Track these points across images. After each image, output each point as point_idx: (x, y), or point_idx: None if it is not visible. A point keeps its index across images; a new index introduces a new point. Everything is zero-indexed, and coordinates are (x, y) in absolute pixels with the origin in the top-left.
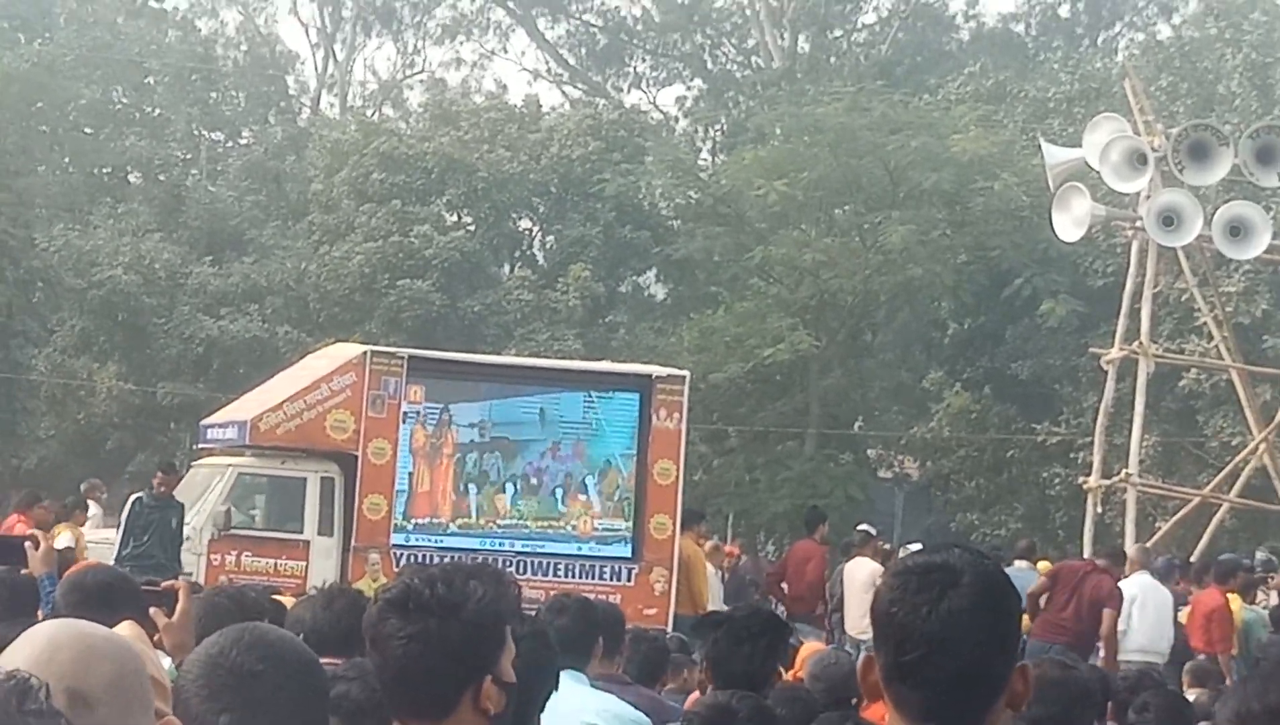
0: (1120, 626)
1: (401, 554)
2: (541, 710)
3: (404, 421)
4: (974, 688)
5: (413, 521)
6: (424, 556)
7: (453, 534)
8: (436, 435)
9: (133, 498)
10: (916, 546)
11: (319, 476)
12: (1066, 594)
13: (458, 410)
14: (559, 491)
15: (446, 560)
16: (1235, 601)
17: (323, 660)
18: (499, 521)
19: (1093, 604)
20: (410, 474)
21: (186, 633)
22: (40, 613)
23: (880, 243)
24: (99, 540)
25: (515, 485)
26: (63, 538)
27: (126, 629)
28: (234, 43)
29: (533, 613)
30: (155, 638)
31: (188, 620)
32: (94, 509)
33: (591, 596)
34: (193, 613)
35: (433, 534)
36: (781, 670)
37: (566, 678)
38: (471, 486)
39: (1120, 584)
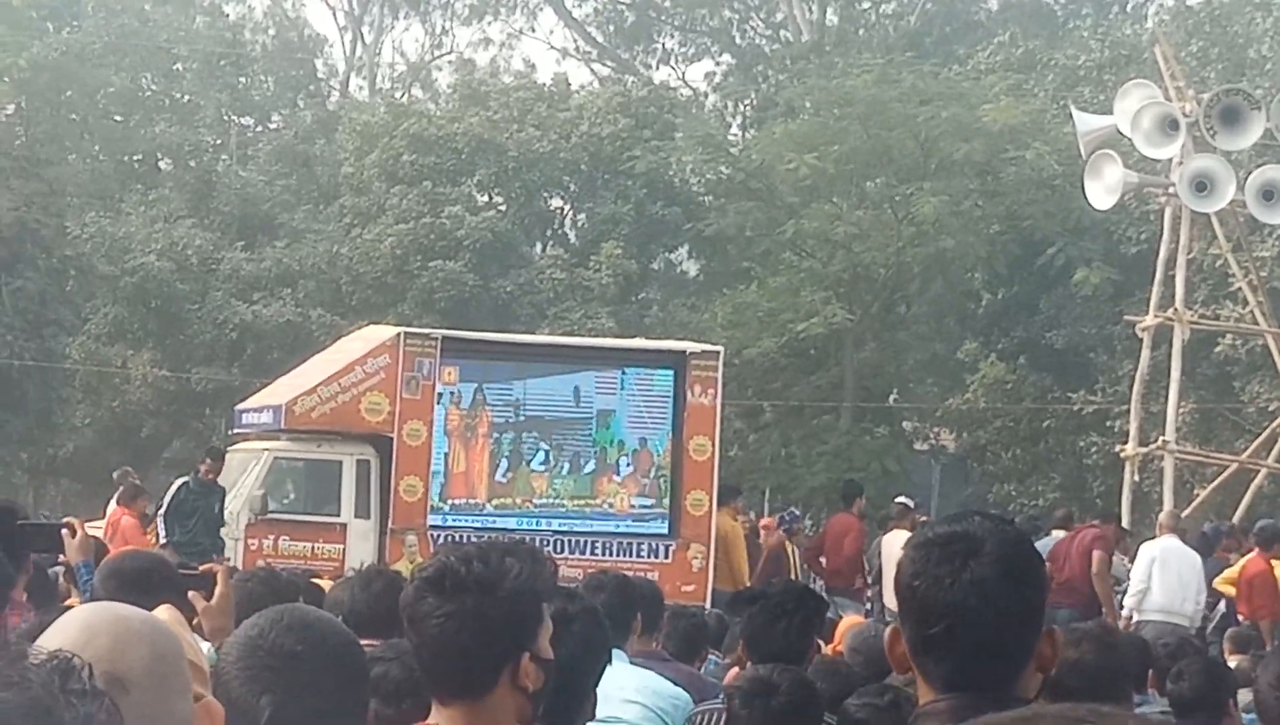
0: (1140, 585)
1: (438, 535)
2: (595, 686)
3: (438, 402)
4: (1000, 656)
5: (449, 502)
6: (461, 537)
7: (489, 514)
8: (471, 415)
9: (178, 482)
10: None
11: (355, 459)
12: (1061, 560)
13: (492, 390)
14: (595, 470)
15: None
16: (1279, 568)
17: (361, 641)
18: (535, 501)
19: (1082, 557)
20: (446, 455)
21: (225, 616)
22: (79, 599)
23: (912, 214)
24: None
25: (551, 464)
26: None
27: (164, 613)
28: (262, 27)
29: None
30: (194, 621)
31: (226, 604)
32: None
33: (629, 574)
34: (231, 594)
35: (469, 514)
36: (821, 644)
37: None
38: (507, 466)
39: (1144, 545)
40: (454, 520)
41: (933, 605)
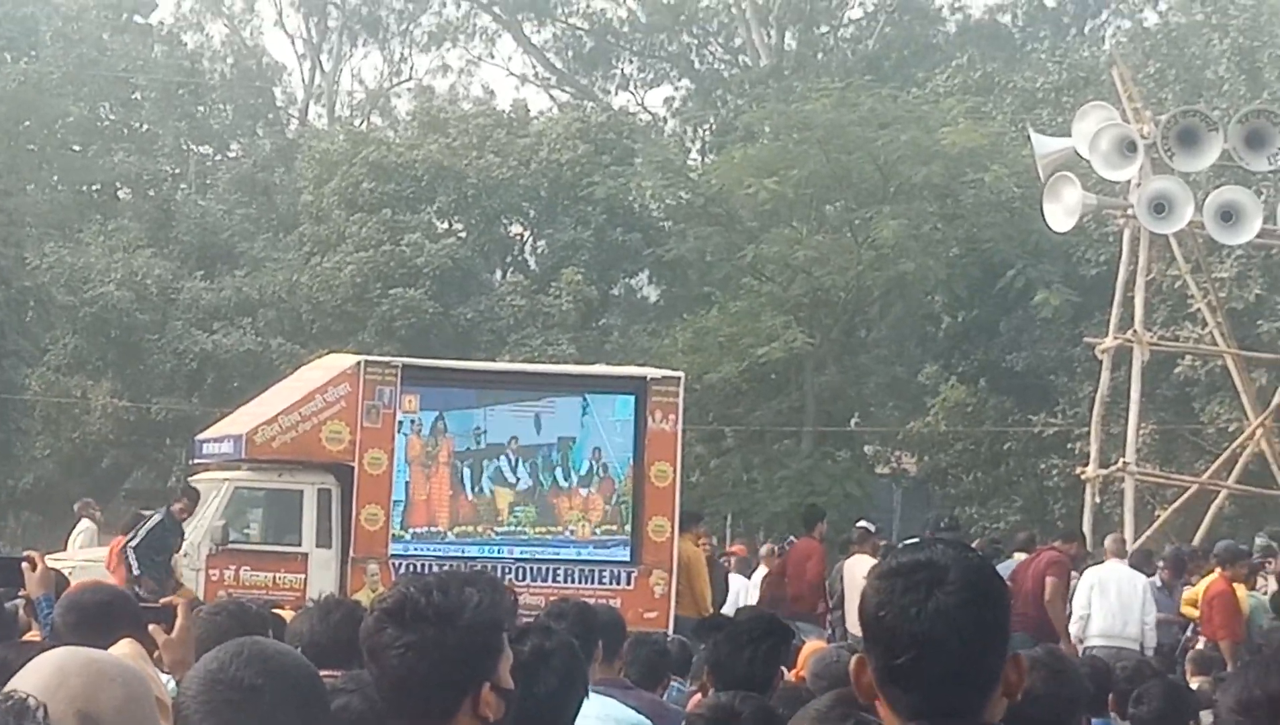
0: (1081, 612)
1: (400, 564)
2: (574, 720)
3: (399, 431)
4: (968, 685)
5: (410, 531)
6: (423, 565)
7: (451, 542)
8: (432, 443)
9: (155, 517)
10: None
11: (316, 488)
12: (1018, 584)
13: (452, 418)
14: (556, 497)
15: (445, 569)
16: (1241, 589)
17: (321, 672)
18: (496, 528)
19: (1036, 581)
20: (407, 483)
21: (186, 649)
22: (39, 632)
23: (872, 238)
24: (93, 558)
25: (512, 492)
26: None
27: (126, 647)
28: (220, 56)
29: (531, 619)
30: (155, 654)
31: (187, 636)
32: (88, 525)
33: (591, 601)
34: (192, 629)
35: (431, 543)
36: (784, 671)
37: None
38: (468, 494)
39: (1086, 572)
40: (416, 549)
41: (899, 635)
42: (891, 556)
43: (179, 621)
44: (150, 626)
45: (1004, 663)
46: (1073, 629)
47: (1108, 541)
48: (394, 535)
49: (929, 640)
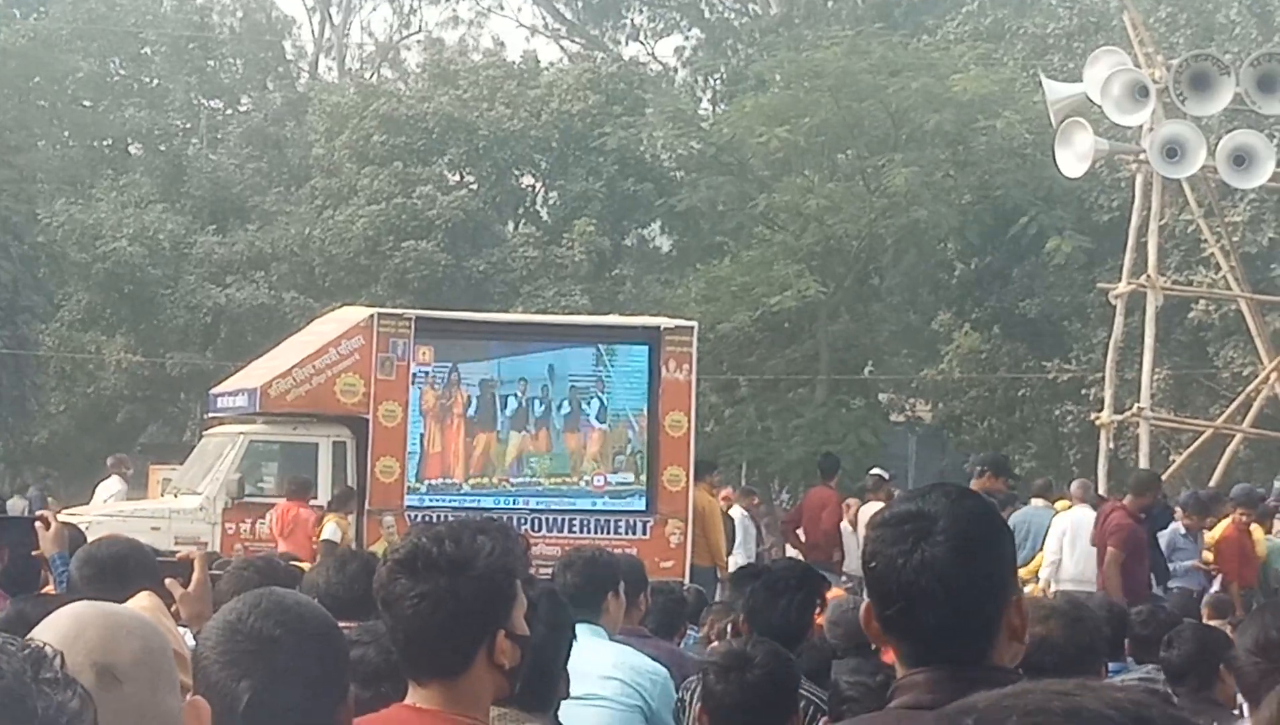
0: (1053, 557)
1: (416, 516)
2: (565, 664)
3: (413, 383)
4: (963, 633)
5: (426, 483)
6: (438, 517)
7: (466, 494)
8: (446, 395)
9: None
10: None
11: (330, 441)
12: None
13: (466, 369)
14: (571, 447)
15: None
16: (1259, 532)
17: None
18: (512, 479)
19: (1100, 544)
20: (422, 435)
21: (203, 603)
22: (54, 588)
23: (884, 186)
24: (109, 514)
25: (527, 442)
26: (329, 528)
27: (144, 600)
28: (230, 10)
29: (549, 569)
30: (172, 608)
31: (204, 590)
32: (118, 484)
33: (607, 550)
34: (208, 583)
35: (446, 494)
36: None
37: (584, 632)
38: (482, 446)
39: (1055, 518)
40: (431, 501)
41: (888, 586)
42: (889, 506)
43: (195, 575)
44: (167, 580)
45: (1003, 609)
46: (1043, 574)
47: (1074, 487)
48: (409, 487)
49: (916, 591)
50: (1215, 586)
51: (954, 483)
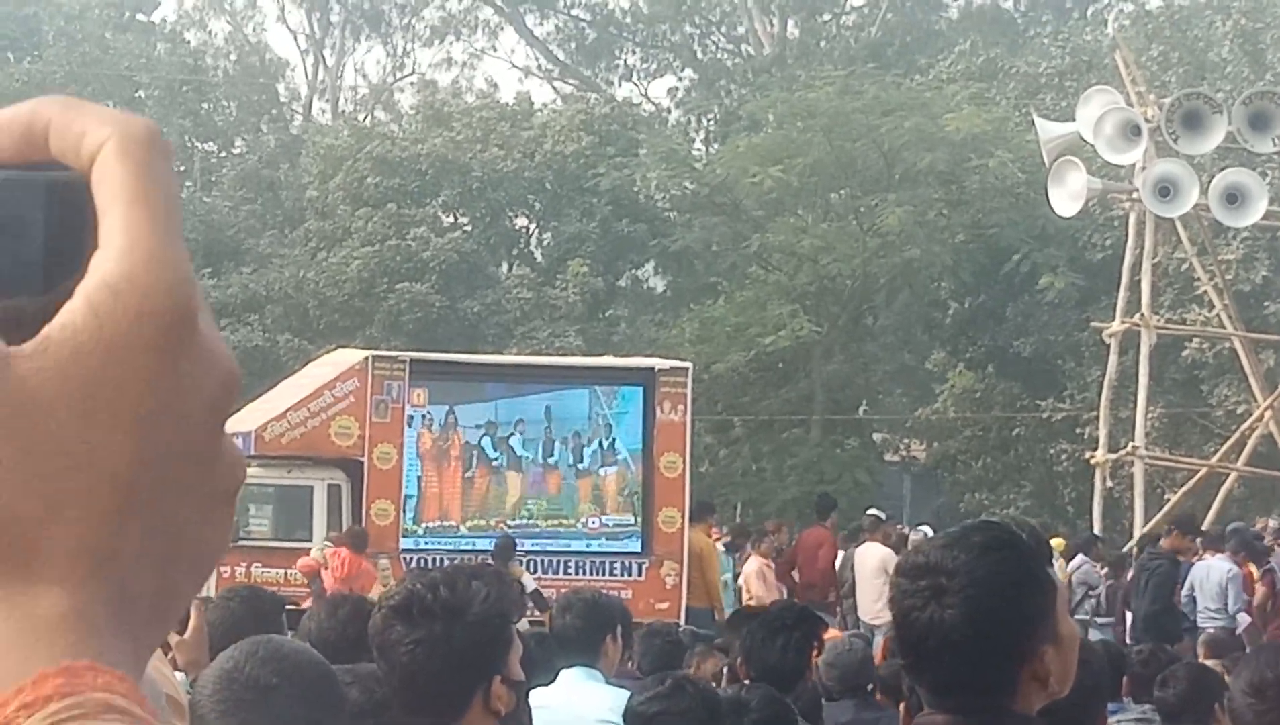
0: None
1: (411, 558)
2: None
3: (409, 425)
4: (972, 689)
5: (423, 525)
6: (435, 560)
7: (463, 536)
8: (443, 438)
9: None
10: (924, 529)
11: (326, 484)
12: None
13: (463, 412)
14: (566, 489)
15: (454, 563)
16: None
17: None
18: (509, 521)
19: None
20: (419, 478)
21: (199, 649)
22: None
23: (877, 225)
24: None
25: (525, 484)
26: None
27: None
28: (223, 53)
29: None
30: (169, 654)
31: (200, 636)
32: None
33: (602, 592)
34: (205, 628)
35: (443, 537)
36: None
37: (581, 675)
38: (479, 488)
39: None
40: (428, 543)
41: (903, 636)
42: (917, 550)
43: (192, 621)
44: None
45: (1023, 664)
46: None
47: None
48: (406, 530)
49: (927, 649)
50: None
51: (988, 523)
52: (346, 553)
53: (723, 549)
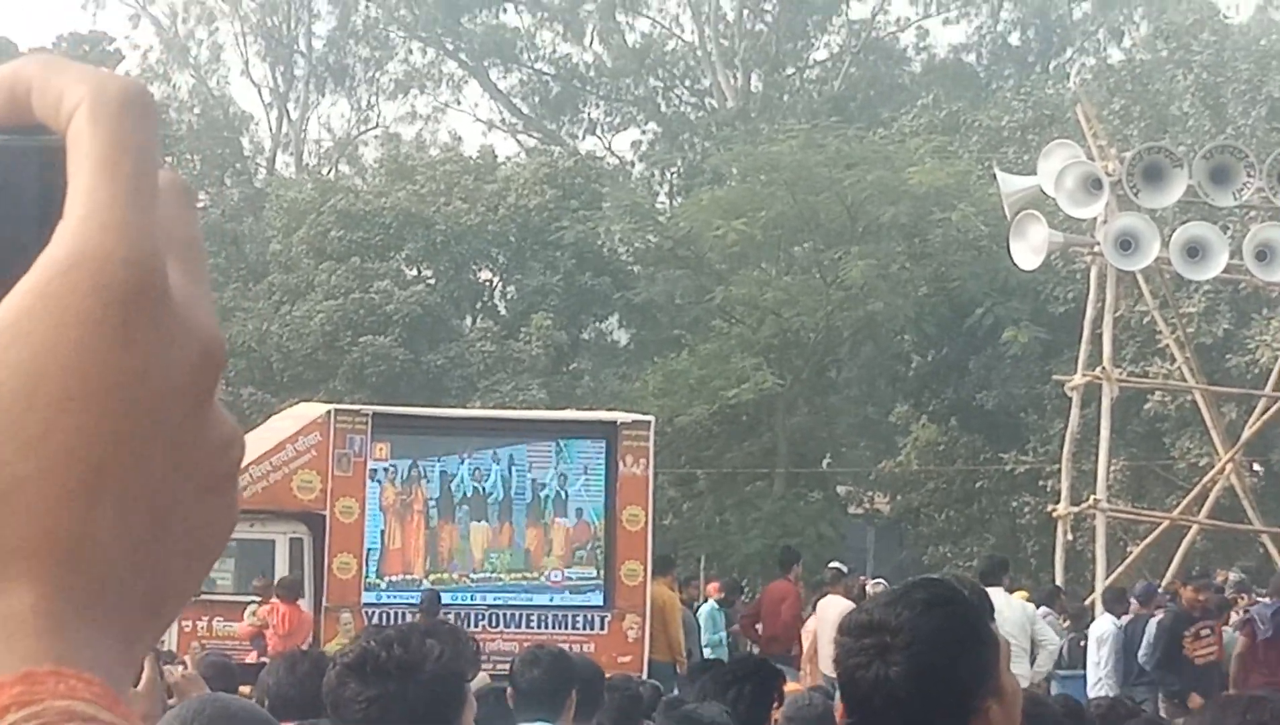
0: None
1: (373, 612)
2: None
3: (371, 479)
4: None
5: (386, 579)
6: (397, 614)
7: (425, 590)
8: (406, 491)
9: None
10: (878, 583)
11: (288, 538)
12: None
13: (426, 465)
14: (529, 543)
15: (412, 618)
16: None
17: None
18: (471, 575)
19: None
20: (382, 532)
21: (152, 701)
22: None
23: (840, 278)
24: None
25: (486, 538)
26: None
27: None
28: (187, 106)
29: (506, 665)
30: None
31: (153, 689)
32: None
33: (566, 647)
34: (158, 681)
35: (405, 591)
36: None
37: None
38: (441, 541)
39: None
40: (390, 597)
41: (849, 694)
42: (861, 608)
43: (145, 673)
44: None
45: (968, 718)
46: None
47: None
48: (368, 584)
49: (873, 707)
50: None
51: (930, 580)
52: (284, 607)
53: (715, 605)
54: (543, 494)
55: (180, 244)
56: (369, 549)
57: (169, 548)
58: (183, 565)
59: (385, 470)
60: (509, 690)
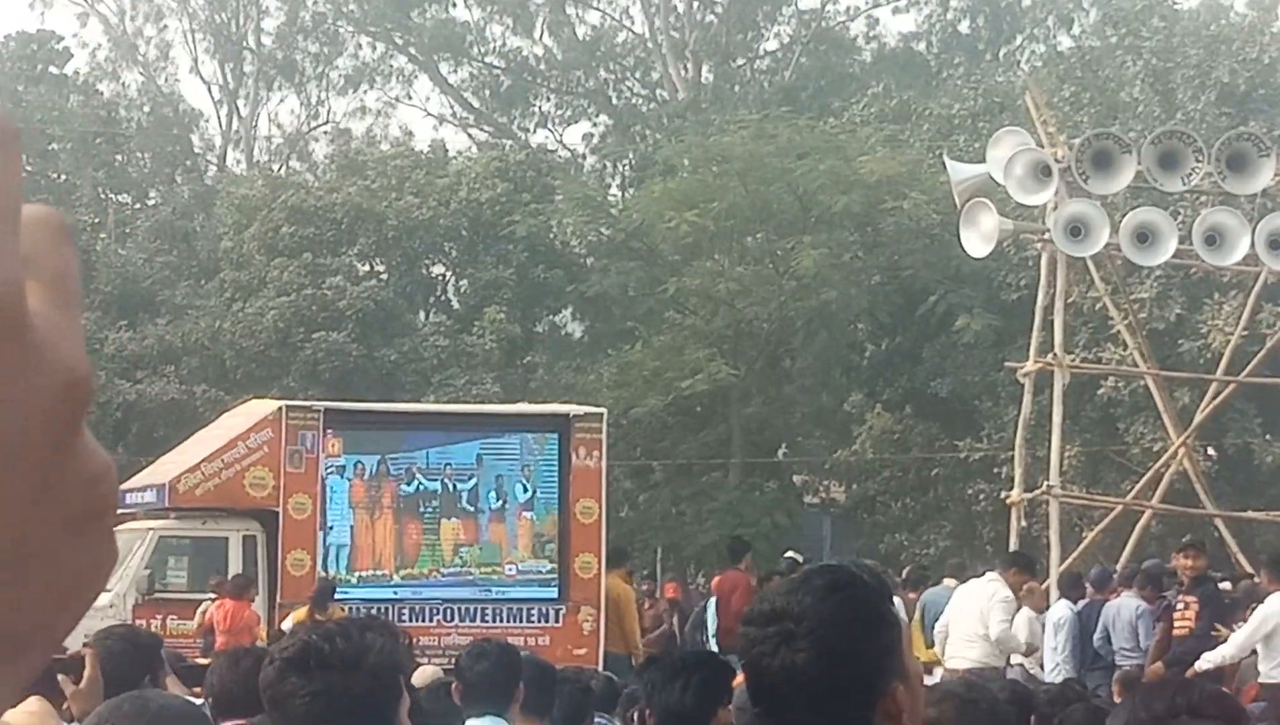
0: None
1: (347, 609)
2: None
3: (339, 474)
4: None
5: (357, 574)
6: (353, 609)
7: (370, 586)
8: (374, 487)
9: None
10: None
11: (241, 535)
12: None
13: (385, 460)
14: (482, 536)
15: (374, 612)
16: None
17: (231, 722)
18: (419, 570)
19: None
20: (352, 528)
21: (94, 699)
22: None
23: (793, 268)
24: None
25: (433, 533)
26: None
27: (31, 704)
28: (137, 104)
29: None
30: (64, 705)
31: (95, 687)
32: None
33: (520, 639)
34: (100, 678)
35: (348, 588)
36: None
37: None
38: (393, 536)
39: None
40: (358, 593)
41: (756, 684)
42: (758, 599)
43: (87, 671)
44: (59, 676)
45: (876, 702)
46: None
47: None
48: (340, 579)
49: (780, 696)
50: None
51: (829, 566)
52: (230, 603)
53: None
54: (495, 488)
55: (50, 273)
56: (339, 545)
57: (32, 590)
58: (52, 607)
59: (339, 467)
60: (455, 685)
